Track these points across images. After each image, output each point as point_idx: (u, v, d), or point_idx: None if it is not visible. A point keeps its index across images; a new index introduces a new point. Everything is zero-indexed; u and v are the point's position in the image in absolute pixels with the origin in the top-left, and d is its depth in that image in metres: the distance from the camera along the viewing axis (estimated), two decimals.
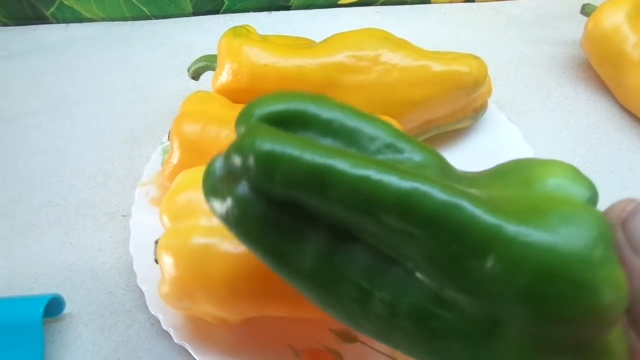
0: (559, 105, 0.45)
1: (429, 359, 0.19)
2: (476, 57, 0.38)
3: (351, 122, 0.20)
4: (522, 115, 0.44)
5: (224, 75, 0.37)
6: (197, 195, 0.28)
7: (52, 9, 0.55)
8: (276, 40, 0.38)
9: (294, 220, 0.19)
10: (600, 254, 0.16)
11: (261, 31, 0.39)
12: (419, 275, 0.18)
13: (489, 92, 0.41)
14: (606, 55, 0.43)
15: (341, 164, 0.17)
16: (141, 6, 0.55)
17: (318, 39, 0.39)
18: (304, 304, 0.27)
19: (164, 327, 0.30)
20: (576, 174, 0.19)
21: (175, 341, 0.30)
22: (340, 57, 0.36)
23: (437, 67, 0.37)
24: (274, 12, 0.56)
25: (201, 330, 0.30)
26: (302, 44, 0.39)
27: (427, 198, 0.16)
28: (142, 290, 0.32)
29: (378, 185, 0.17)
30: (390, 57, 0.36)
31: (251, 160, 0.17)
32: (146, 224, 0.35)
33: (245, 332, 0.30)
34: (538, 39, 0.51)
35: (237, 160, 0.18)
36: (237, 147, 0.18)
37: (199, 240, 0.26)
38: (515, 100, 0.45)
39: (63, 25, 0.56)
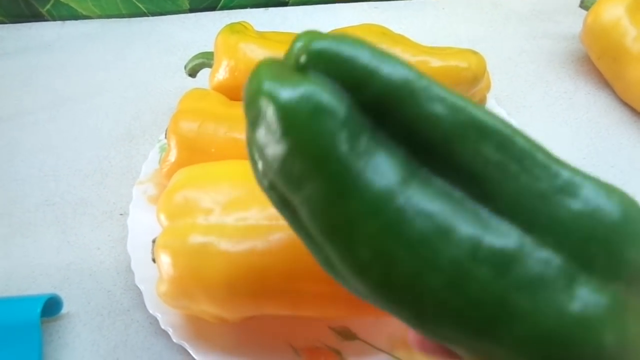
0: (559, 99, 0.45)
1: (490, 336, 0.16)
2: (475, 53, 0.38)
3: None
4: (522, 110, 0.44)
5: (221, 72, 0.36)
6: (195, 193, 0.28)
7: (48, 7, 0.55)
8: (273, 37, 0.38)
9: (376, 131, 0.17)
10: None
11: (258, 28, 0.39)
12: (504, 216, 0.17)
13: (488, 88, 0.40)
14: (606, 49, 0.43)
15: (441, 86, 0.17)
16: (137, 3, 0.55)
17: None
18: (303, 302, 0.27)
19: (163, 326, 0.30)
20: None
21: (174, 340, 0.30)
22: None
23: (436, 62, 0.37)
24: (271, 9, 0.56)
25: (200, 329, 0.30)
26: None
27: (521, 134, 0.17)
28: (140, 290, 0.32)
29: (479, 110, 0.17)
30: None
31: (348, 52, 0.17)
32: (144, 222, 0.34)
33: (244, 330, 0.30)
34: (537, 34, 0.51)
35: (329, 54, 0.17)
36: (333, 43, 0.17)
37: (196, 238, 0.26)
38: (514, 95, 0.45)
39: (59, 22, 0.55)
